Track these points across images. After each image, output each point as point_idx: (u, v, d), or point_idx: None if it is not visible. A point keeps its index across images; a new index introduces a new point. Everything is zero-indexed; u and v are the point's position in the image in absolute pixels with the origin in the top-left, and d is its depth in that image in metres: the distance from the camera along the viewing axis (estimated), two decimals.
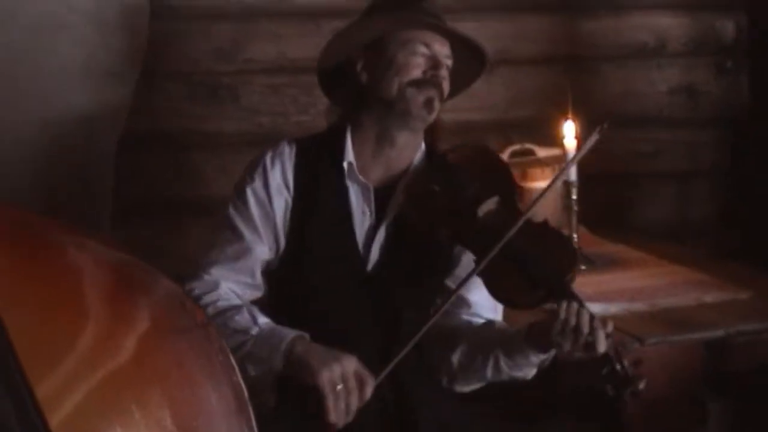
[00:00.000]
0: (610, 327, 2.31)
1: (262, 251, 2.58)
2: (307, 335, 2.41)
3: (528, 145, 3.60)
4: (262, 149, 2.66)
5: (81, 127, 3.09)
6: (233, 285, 2.56)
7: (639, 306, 2.96)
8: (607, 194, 4.06)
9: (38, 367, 1.27)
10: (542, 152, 3.57)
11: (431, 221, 2.53)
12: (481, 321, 2.60)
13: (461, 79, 2.68)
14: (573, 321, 2.29)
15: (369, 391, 2.29)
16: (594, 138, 2.46)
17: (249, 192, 2.58)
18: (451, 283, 2.58)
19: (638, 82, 4.17)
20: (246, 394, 1.44)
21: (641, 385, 2.26)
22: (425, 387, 2.57)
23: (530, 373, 2.51)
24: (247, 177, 2.61)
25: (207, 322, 1.43)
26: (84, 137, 3.12)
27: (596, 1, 4.11)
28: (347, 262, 2.58)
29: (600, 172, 3.76)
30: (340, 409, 2.27)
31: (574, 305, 2.31)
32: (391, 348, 2.43)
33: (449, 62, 2.58)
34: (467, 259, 2.55)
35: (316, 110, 3.73)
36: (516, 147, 3.58)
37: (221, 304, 2.51)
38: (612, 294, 3.03)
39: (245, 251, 2.56)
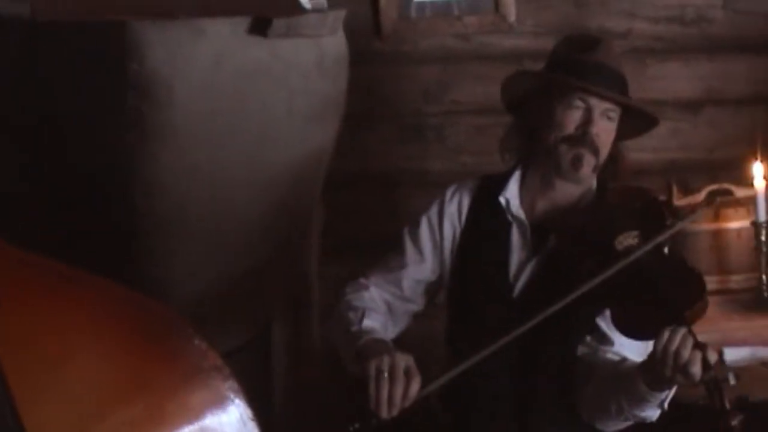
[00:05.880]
0: (713, 356, 2.28)
1: (419, 270, 2.81)
2: (387, 341, 2.56)
3: (726, 185, 3.58)
4: None
5: (286, 168, 3.21)
6: (383, 292, 2.80)
7: None
8: None
9: (54, 408, 1.38)
10: (741, 192, 3.54)
11: (576, 254, 2.61)
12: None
13: (632, 129, 2.78)
14: (674, 344, 2.28)
15: (415, 387, 2.36)
16: None
17: (424, 218, 2.86)
18: (599, 321, 2.62)
19: None
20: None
21: (734, 421, 2.24)
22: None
23: (653, 414, 2.50)
24: (429, 206, 2.87)
25: (220, 364, 1.49)
26: (290, 177, 3.23)
27: None
28: (497, 287, 2.71)
29: None
30: (382, 397, 2.34)
31: (681, 329, 2.31)
32: (527, 378, 2.57)
33: (611, 113, 2.67)
34: None
35: None
36: (714, 187, 3.57)
37: (352, 300, 2.74)
38: None
39: (401, 265, 2.82)
